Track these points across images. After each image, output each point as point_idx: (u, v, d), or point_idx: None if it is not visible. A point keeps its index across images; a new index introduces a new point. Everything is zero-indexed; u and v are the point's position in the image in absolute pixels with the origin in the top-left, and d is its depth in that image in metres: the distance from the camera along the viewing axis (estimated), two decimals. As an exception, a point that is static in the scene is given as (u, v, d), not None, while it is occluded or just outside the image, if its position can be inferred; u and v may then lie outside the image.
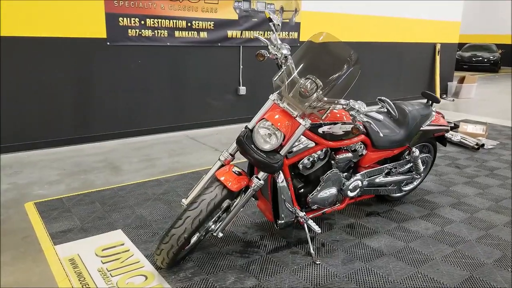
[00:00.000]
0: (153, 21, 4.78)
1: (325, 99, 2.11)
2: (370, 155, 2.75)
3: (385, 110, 2.84)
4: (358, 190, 2.73)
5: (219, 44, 5.39)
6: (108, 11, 4.48)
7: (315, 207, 2.57)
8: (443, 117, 3.23)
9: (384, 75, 7.70)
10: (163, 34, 4.90)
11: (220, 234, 2.21)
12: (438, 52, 8.54)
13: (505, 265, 2.39)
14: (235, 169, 2.18)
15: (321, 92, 2.11)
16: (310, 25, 6.23)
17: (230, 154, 2.29)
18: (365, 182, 2.77)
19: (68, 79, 4.43)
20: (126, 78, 4.80)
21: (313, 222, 2.44)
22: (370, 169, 2.80)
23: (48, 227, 2.70)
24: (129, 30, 4.66)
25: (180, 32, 5.02)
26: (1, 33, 3.98)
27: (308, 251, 2.47)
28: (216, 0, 5.20)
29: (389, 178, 2.95)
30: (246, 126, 2.24)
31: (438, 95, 8.53)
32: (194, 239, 2.26)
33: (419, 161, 3.03)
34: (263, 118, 2.17)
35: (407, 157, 3.02)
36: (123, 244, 2.51)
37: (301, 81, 2.13)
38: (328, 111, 2.19)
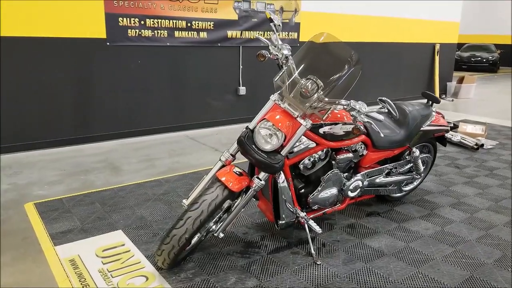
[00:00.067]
0: (153, 21, 4.78)
1: (326, 99, 2.11)
2: (370, 155, 2.75)
3: (386, 110, 2.85)
4: (358, 190, 2.73)
5: (219, 44, 5.39)
6: (108, 11, 4.47)
7: (315, 207, 2.57)
8: (443, 117, 3.23)
9: (383, 75, 7.71)
10: (163, 34, 4.90)
11: (221, 235, 2.21)
12: (437, 52, 8.55)
13: (505, 265, 2.39)
14: (236, 169, 2.18)
15: (322, 92, 2.11)
16: (309, 26, 6.23)
17: (231, 155, 2.29)
18: (365, 182, 2.77)
19: (68, 79, 4.43)
20: (126, 78, 4.80)
21: (314, 222, 2.44)
22: (371, 169, 2.81)
23: (48, 227, 2.70)
24: (129, 30, 4.65)
25: (180, 32, 5.02)
26: (1, 33, 3.97)
27: (308, 252, 2.47)
28: (216, 0, 5.20)
29: (390, 178, 2.95)
30: (247, 126, 2.24)
31: (437, 95, 8.54)
32: (195, 239, 2.26)
33: (419, 161, 3.04)
34: (264, 119, 2.17)
35: (407, 157, 3.02)
36: (123, 245, 2.51)
37: (302, 81, 2.13)
38: (329, 111, 2.19)
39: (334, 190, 2.56)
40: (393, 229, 2.80)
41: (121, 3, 4.52)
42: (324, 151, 2.49)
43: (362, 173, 2.74)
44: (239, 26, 5.49)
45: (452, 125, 3.35)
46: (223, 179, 2.11)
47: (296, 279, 2.21)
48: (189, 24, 5.06)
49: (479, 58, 15.20)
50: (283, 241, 2.60)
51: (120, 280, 2.15)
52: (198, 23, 5.13)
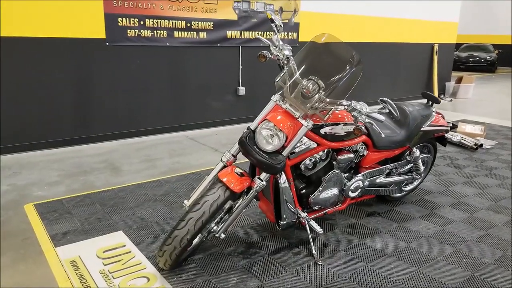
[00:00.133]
0: (152, 21, 4.77)
1: (327, 100, 2.11)
2: (371, 155, 2.75)
3: (387, 110, 2.85)
4: (359, 190, 2.73)
5: (219, 44, 5.38)
6: (107, 12, 4.46)
7: (316, 207, 2.57)
8: (443, 118, 3.24)
9: (382, 75, 7.72)
10: (163, 35, 4.89)
11: (223, 236, 2.21)
12: (436, 52, 8.57)
13: (506, 264, 2.40)
14: (237, 170, 2.18)
15: (323, 93, 2.11)
16: (309, 26, 6.24)
17: (232, 155, 2.29)
18: (366, 183, 2.77)
19: (67, 80, 4.42)
20: (125, 79, 4.79)
21: (315, 222, 2.44)
22: (371, 170, 2.81)
23: (48, 228, 2.69)
24: (128, 30, 4.64)
25: (180, 32, 5.01)
26: (1, 33, 3.96)
27: (310, 252, 2.47)
28: (215, 0, 5.19)
29: (390, 179, 2.96)
30: (249, 127, 2.24)
31: (436, 95, 8.56)
32: (196, 240, 2.26)
33: (420, 161, 3.04)
34: (266, 119, 2.17)
35: (407, 157, 3.02)
36: (124, 246, 2.50)
37: (303, 82, 2.13)
38: (330, 112, 2.19)
39: (335, 191, 2.57)
40: (394, 229, 2.81)
41: (120, 3, 4.51)
42: (325, 152, 2.49)
43: (362, 173, 2.75)
44: (238, 26, 5.49)
45: (451, 125, 3.36)
46: (224, 179, 2.11)
47: (297, 280, 2.21)
48: (188, 24, 5.05)
49: (477, 58, 15.23)
50: (284, 241, 2.60)
51: (121, 281, 2.15)
52: (197, 23, 5.12)
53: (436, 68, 8.65)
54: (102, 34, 4.50)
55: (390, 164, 2.95)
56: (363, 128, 2.17)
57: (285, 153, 2.16)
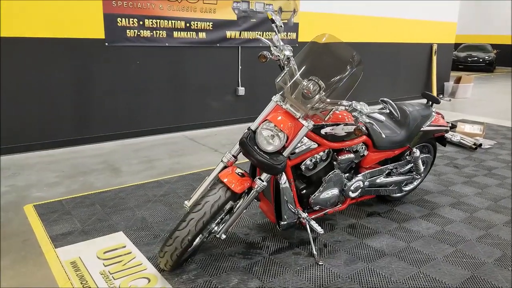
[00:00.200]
0: (151, 21, 4.77)
1: (328, 100, 2.11)
2: (371, 155, 2.76)
3: (388, 111, 2.85)
4: (359, 190, 2.73)
5: (218, 44, 5.38)
6: (106, 12, 4.46)
7: (317, 208, 2.57)
8: (443, 118, 3.25)
9: (381, 75, 7.73)
10: (162, 35, 4.88)
11: (223, 236, 2.21)
12: (435, 52, 8.59)
13: (506, 264, 2.41)
14: (238, 170, 2.18)
15: (323, 93, 2.11)
16: (308, 26, 6.24)
17: (233, 156, 2.29)
18: (366, 183, 2.78)
19: (67, 80, 4.41)
20: (125, 79, 4.78)
21: (315, 223, 2.44)
22: (372, 170, 2.81)
23: (48, 229, 2.69)
24: (128, 30, 4.64)
25: (179, 32, 5.01)
26: (1, 33, 3.95)
27: (310, 252, 2.47)
28: (214, 0, 5.19)
29: (390, 179, 2.96)
30: (249, 127, 2.24)
31: (435, 95, 8.57)
32: (197, 241, 2.26)
33: (420, 161, 3.05)
34: (266, 120, 2.17)
35: (407, 157, 3.03)
36: (124, 247, 2.50)
37: (304, 82, 2.13)
38: (331, 112, 2.19)
39: (335, 191, 2.57)
40: (394, 229, 2.81)
41: (119, 3, 4.50)
42: (326, 152, 2.49)
43: (363, 173, 2.75)
44: (238, 27, 5.49)
45: (450, 125, 3.36)
46: (225, 180, 2.11)
47: (298, 280, 2.21)
48: (188, 25, 5.05)
49: (476, 58, 15.27)
50: (285, 242, 2.60)
51: (122, 282, 2.14)
52: (197, 24, 5.12)
53: (435, 68, 8.66)
54: (101, 35, 4.49)
55: (390, 164, 2.95)
56: (363, 128, 2.17)
57: (285, 153, 2.16)
